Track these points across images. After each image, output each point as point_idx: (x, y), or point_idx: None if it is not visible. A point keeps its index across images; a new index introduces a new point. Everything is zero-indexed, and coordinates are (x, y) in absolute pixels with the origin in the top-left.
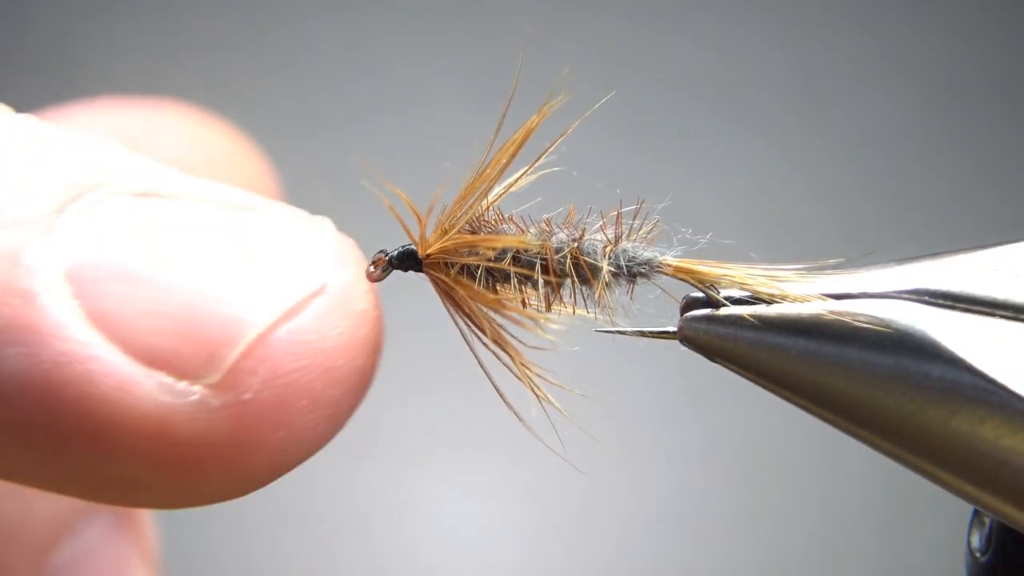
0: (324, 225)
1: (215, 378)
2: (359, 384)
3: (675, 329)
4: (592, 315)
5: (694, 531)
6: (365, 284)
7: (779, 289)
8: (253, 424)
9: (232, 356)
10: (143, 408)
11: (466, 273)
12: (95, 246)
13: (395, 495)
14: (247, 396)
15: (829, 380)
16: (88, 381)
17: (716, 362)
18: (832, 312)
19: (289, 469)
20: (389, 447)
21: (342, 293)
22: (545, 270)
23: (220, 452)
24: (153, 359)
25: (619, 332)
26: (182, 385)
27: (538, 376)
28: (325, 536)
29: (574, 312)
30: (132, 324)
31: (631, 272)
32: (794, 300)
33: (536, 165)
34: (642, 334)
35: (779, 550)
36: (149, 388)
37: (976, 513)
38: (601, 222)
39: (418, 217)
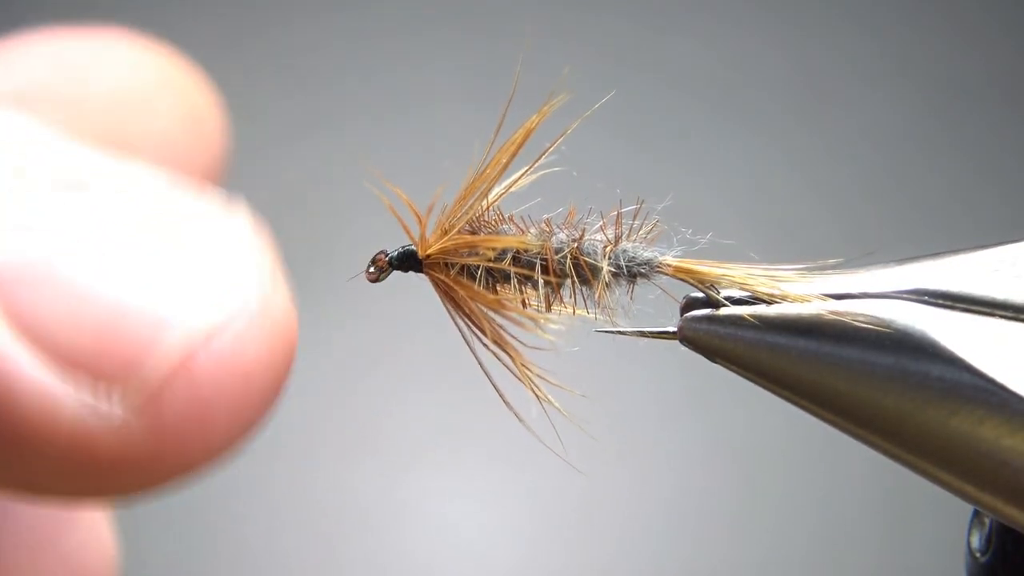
0: (243, 223)
1: (134, 395)
2: (275, 395)
3: (675, 329)
4: (592, 315)
5: (694, 531)
6: (284, 298)
7: (779, 289)
8: (171, 440)
9: (153, 375)
10: (60, 416)
11: (466, 274)
12: (13, 247)
13: (394, 495)
14: (167, 415)
15: (829, 380)
16: (4, 385)
17: (716, 362)
18: (832, 312)
19: (202, 473)
20: (389, 447)
21: (262, 309)
22: (545, 270)
23: (135, 464)
24: (72, 368)
25: (619, 332)
26: (101, 398)
27: (538, 376)
28: (325, 536)
29: (574, 312)
30: (52, 331)
31: (631, 272)
32: (794, 300)
33: (536, 165)
34: (642, 334)
35: (779, 550)
36: (67, 397)
37: (976, 513)
38: (601, 222)
39: (418, 217)
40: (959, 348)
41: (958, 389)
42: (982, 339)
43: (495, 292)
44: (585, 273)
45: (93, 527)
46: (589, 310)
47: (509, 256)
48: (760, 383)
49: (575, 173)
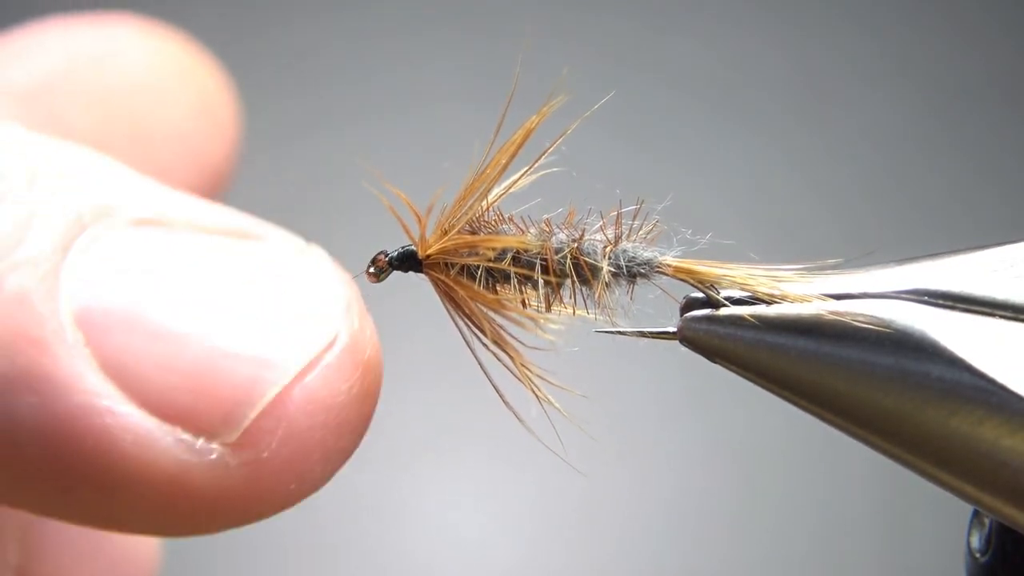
0: (325, 263)
1: (233, 436)
2: (364, 429)
3: (675, 330)
4: (592, 316)
5: (694, 531)
6: (369, 329)
7: (779, 289)
8: (268, 479)
9: (250, 416)
10: (160, 464)
11: (466, 274)
12: (103, 290)
13: (394, 495)
14: (264, 455)
15: (829, 380)
16: (105, 435)
17: (716, 362)
18: (832, 312)
19: (292, 506)
20: (389, 447)
21: (351, 344)
22: (545, 270)
23: (233, 503)
24: (169, 415)
25: (619, 333)
26: (199, 443)
27: (538, 377)
28: (325, 536)
29: (574, 312)
30: (147, 378)
31: (631, 272)
32: (794, 300)
33: (536, 165)
34: (642, 335)
35: (779, 550)
36: (166, 445)
37: (976, 513)
38: (601, 223)
39: (418, 217)
40: (959, 348)
41: (958, 389)
42: (982, 339)
43: (495, 292)
44: (585, 273)
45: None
46: (589, 310)
47: (509, 256)
48: (760, 383)
49: (575, 173)
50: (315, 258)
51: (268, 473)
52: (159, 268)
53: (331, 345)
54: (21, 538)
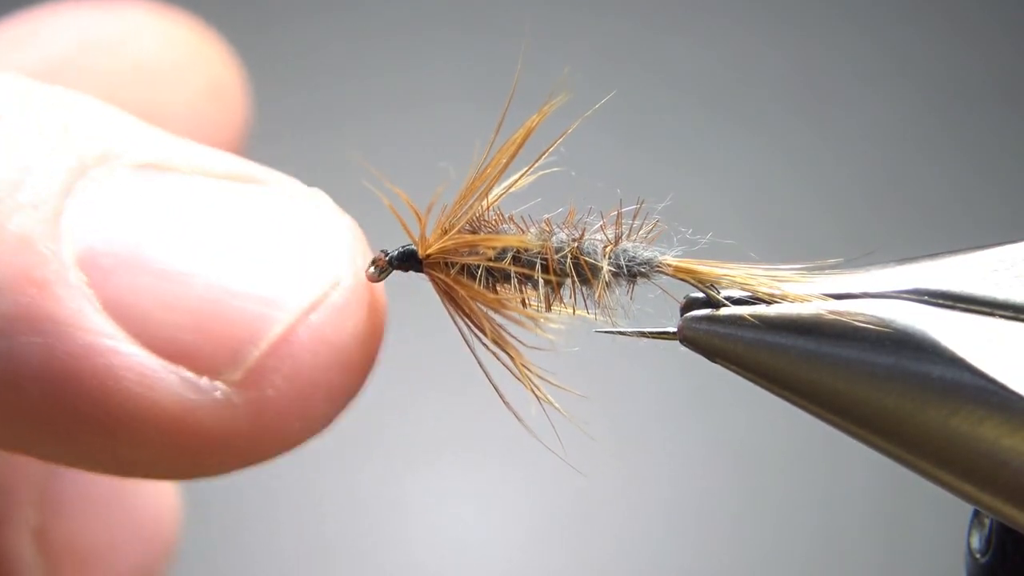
0: (328, 205)
1: (237, 375)
2: (368, 370)
3: (675, 330)
4: (592, 316)
5: (694, 532)
6: (373, 269)
7: (779, 289)
8: (273, 418)
9: (255, 354)
10: (165, 403)
11: (466, 273)
12: (107, 231)
13: (395, 495)
14: (269, 393)
15: (829, 380)
16: (109, 375)
17: (716, 362)
18: (832, 312)
19: (295, 447)
20: (389, 448)
21: (356, 283)
22: (545, 270)
23: (238, 441)
24: (174, 354)
25: (619, 333)
26: (203, 381)
27: (538, 377)
28: (326, 537)
29: (574, 312)
30: (151, 318)
31: (631, 272)
32: (794, 300)
33: (536, 165)
34: (642, 335)
35: (779, 551)
36: (171, 384)
37: (976, 514)
38: (601, 222)
39: (418, 217)
40: (959, 348)
41: (958, 389)
42: (982, 339)
43: (495, 292)
44: (585, 273)
45: (160, 486)
46: (589, 310)
47: (509, 256)
48: (760, 383)
49: (574, 173)
50: (318, 200)
51: (273, 411)
52: (162, 209)
53: (335, 284)
54: (38, 499)
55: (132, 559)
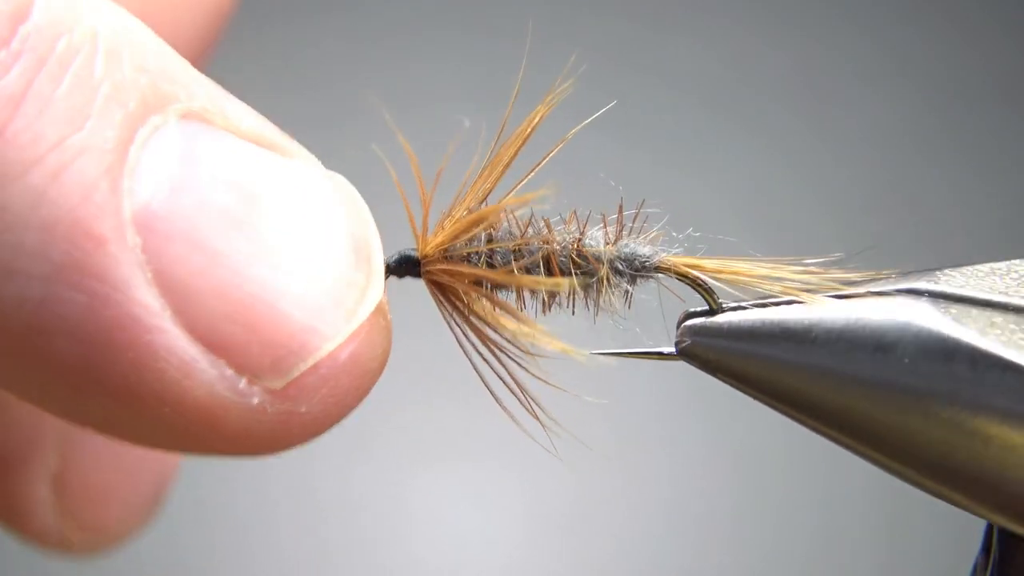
0: (364, 205)
1: (277, 384)
2: (376, 381)
3: (673, 350)
4: (592, 317)
5: (694, 534)
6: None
7: (781, 287)
8: (296, 430)
9: (300, 368)
10: (196, 393)
11: (465, 282)
12: (165, 192)
13: (396, 497)
14: (303, 408)
15: (838, 397)
16: (146, 352)
17: (717, 377)
18: (832, 313)
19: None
20: (390, 449)
21: (383, 308)
22: (547, 270)
23: (257, 438)
24: (217, 346)
25: (617, 355)
26: (242, 383)
27: (538, 379)
28: (326, 537)
29: (573, 312)
30: (202, 302)
31: (632, 268)
32: (791, 297)
33: (535, 166)
34: (641, 355)
35: (780, 554)
36: (209, 377)
37: (985, 545)
38: (602, 222)
39: (414, 226)
40: (980, 342)
41: (982, 383)
42: (993, 334)
43: (493, 300)
44: (587, 267)
45: None
46: (589, 308)
47: (509, 245)
48: (762, 399)
49: (574, 173)
50: (352, 192)
51: (299, 423)
52: (223, 181)
53: (381, 310)
54: (59, 445)
55: (142, 490)
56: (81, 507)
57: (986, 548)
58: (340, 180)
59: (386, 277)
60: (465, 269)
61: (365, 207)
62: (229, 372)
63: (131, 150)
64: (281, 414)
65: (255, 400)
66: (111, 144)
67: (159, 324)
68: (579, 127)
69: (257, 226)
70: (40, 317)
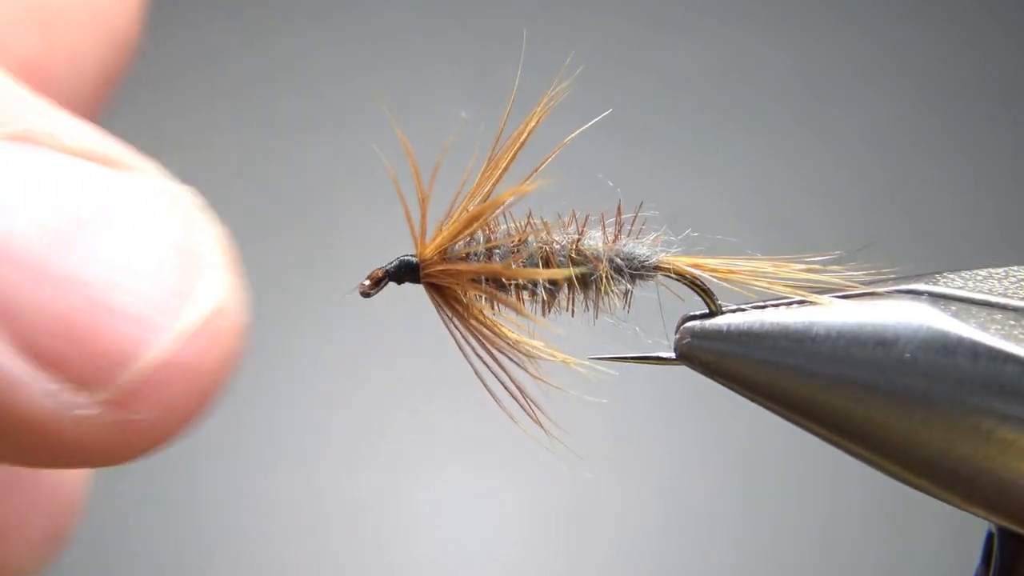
0: (204, 212)
1: (106, 395)
2: (223, 388)
3: (672, 355)
4: (592, 318)
5: (694, 535)
6: (240, 289)
7: (781, 286)
8: (135, 438)
9: (127, 377)
10: (27, 408)
11: (465, 287)
12: None
13: (397, 500)
14: (135, 416)
15: (845, 401)
16: None
17: (717, 380)
18: (832, 312)
19: (147, 455)
20: (391, 451)
21: (228, 310)
22: (547, 268)
23: (94, 452)
24: (43, 361)
25: (616, 359)
26: (67, 395)
27: (537, 379)
28: (327, 538)
29: (573, 314)
30: (21, 316)
31: (631, 267)
32: (793, 297)
33: (532, 170)
34: (640, 360)
35: (779, 554)
36: (34, 391)
37: (986, 554)
38: (601, 222)
39: (421, 199)
40: (980, 336)
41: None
42: (994, 332)
43: (492, 306)
44: (586, 265)
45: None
46: (588, 310)
47: (507, 243)
48: (761, 403)
49: (574, 174)
50: (193, 205)
51: (135, 431)
52: (36, 196)
53: (216, 311)
54: None
55: (40, 526)
56: None
57: (986, 559)
58: (180, 191)
59: (385, 283)
60: (463, 267)
61: (204, 216)
62: (53, 385)
63: None
64: (116, 424)
65: (85, 412)
66: None
67: None
68: (576, 133)
69: (77, 241)
70: None
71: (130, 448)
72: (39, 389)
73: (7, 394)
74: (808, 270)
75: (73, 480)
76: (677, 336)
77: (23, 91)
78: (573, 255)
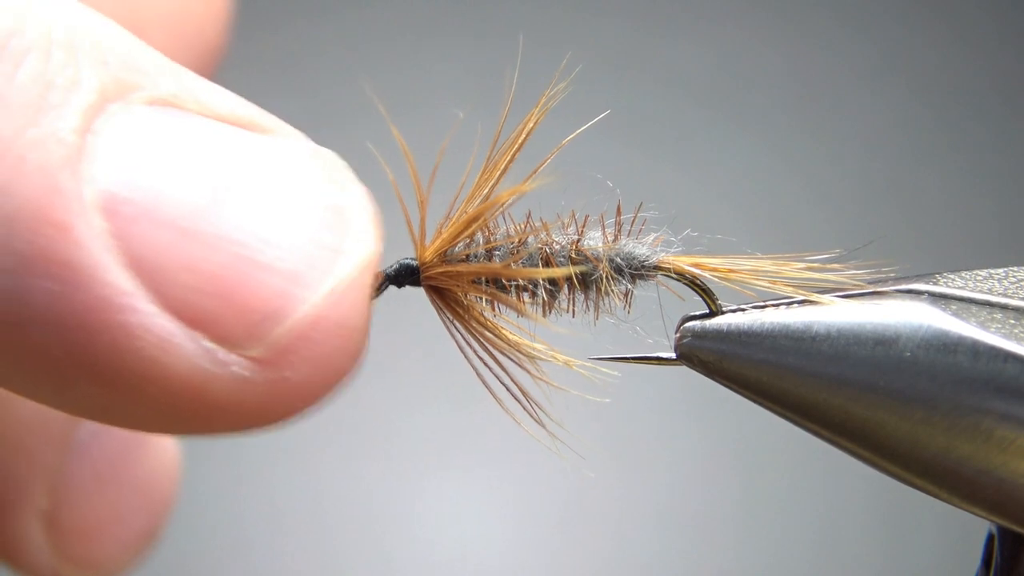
0: (347, 170)
1: (258, 352)
2: (366, 343)
3: (672, 355)
4: (592, 319)
5: (695, 535)
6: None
7: (782, 285)
8: (285, 397)
9: (279, 333)
10: (177, 368)
11: (465, 290)
12: (128, 176)
13: (399, 500)
14: (287, 374)
15: (845, 400)
16: (123, 333)
17: (716, 380)
18: (832, 311)
19: (294, 419)
20: (391, 452)
21: (371, 268)
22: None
23: (246, 414)
24: (192, 319)
25: (616, 360)
26: (221, 353)
27: (537, 379)
28: (327, 538)
29: (573, 315)
30: (173, 278)
31: (631, 267)
32: (793, 296)
33: (531, 172)
34: (640, 360)
35: (779, 554)
36: (188, 351)
37: (987, 555)
38: (601, 224)
39: (412, 228)
40: (980, 335)
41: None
42: (995, 330)
43: (492, 308)
44: (586, 264)
45: (161, 452)
46: (588, 310)
47: (506, 243)
48: (761, 403)
49: (573, 176)
50: (339, 166)
51: (287, 390)
52: (185, 158)
53: (363, 266)
54: (50, 485)
55: (134, 526)
56: (73, 544)
57: (986, 562)
58: (325, 153)
59: (385, 287)
60: (463, 268)
61: (350, 177)
62: (208, 343)
63: (88, 139)
64: (268, 383)
65: (237, 369)
66: (69, 135)
67: (131, 303)
68: (574, 134)
69: (228, 201)
70: (11, 310)
71: (282, 408)
72: (192, 349)
73: (160, 355)
74: (808, 269)
75: (166, 476)
76: (677, 336)
77: (163, 58)
78: (573, 255)
